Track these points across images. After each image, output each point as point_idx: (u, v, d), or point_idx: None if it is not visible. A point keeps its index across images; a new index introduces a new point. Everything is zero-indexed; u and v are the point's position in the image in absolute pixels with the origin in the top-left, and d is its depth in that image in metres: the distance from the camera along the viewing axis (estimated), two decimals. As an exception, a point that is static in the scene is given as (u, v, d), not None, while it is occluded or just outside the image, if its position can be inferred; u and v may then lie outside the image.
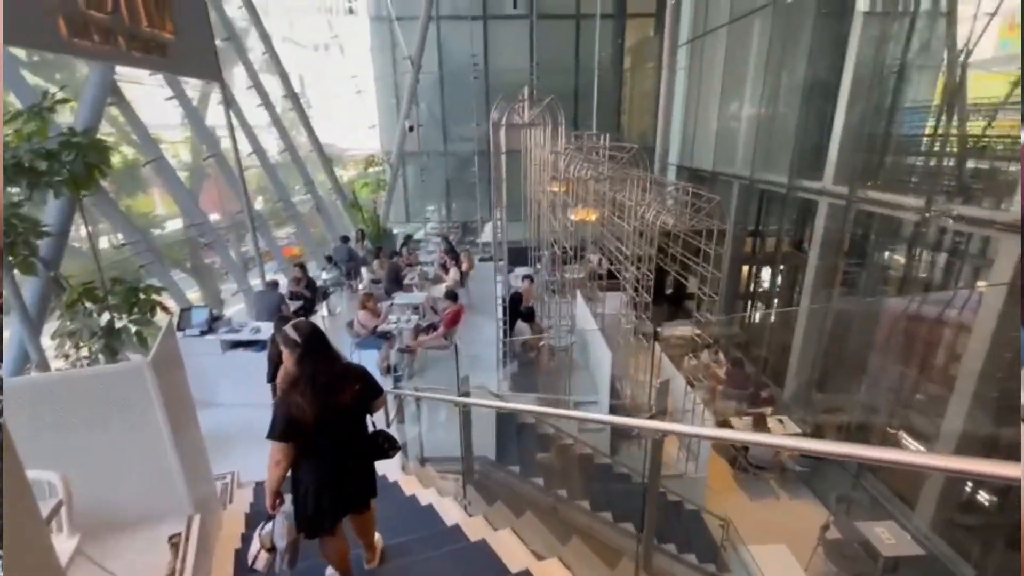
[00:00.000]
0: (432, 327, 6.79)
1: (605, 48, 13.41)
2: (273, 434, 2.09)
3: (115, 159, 5.08)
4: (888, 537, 5.64)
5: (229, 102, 6.72)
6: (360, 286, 9.59)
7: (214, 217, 9.52)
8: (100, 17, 4.59)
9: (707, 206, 5.75)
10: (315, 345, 2.18)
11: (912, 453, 0.94)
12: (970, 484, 5.48)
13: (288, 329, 2.18)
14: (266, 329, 5.93)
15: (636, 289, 6.38)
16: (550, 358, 7.13)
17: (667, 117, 12.65)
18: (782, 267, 9.42)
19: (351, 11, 13.84)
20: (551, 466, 5.67)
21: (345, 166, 14.67)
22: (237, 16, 9.95)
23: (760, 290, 10.48)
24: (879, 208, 6.43)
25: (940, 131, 6.19)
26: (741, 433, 1.26)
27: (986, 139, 5.81)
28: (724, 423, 7.94)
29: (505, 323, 6.24)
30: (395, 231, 13.18)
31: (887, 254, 7.20)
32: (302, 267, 7.94)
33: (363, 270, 10.17)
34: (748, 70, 9.62)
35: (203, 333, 6.06)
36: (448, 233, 12.33)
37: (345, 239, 10.11)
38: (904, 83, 6.65)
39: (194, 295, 9.05)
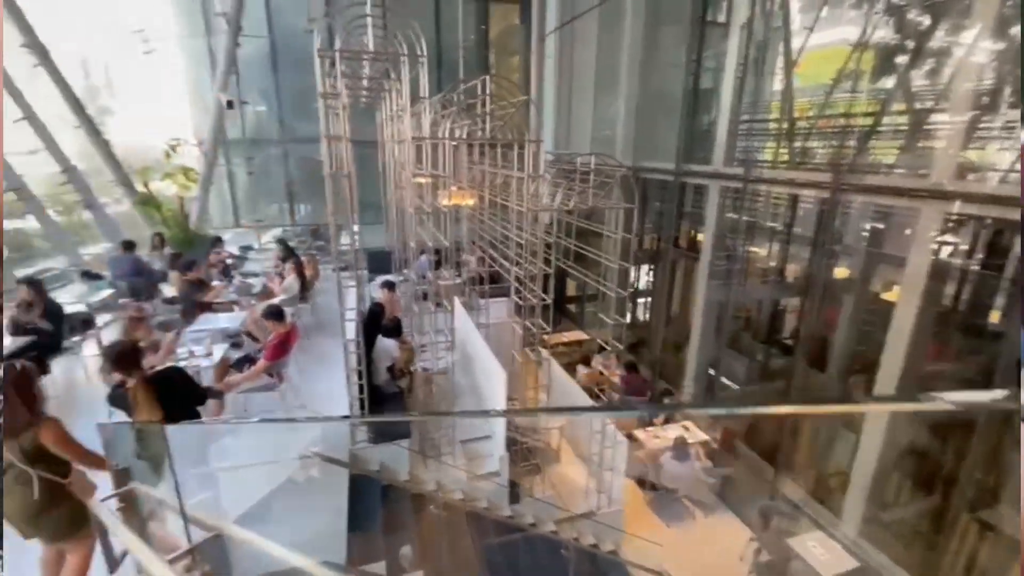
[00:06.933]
0: (249, 360, 4.71)
1: (469, 34, 12.21)
2: None
3: None
4: (821, 551, 5.02)
5: None
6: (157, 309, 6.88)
7: None
8: None
9: (611, 181, 4.65)
10: None
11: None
12: (897, 476, 5.10)
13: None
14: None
15: (523, 289, 5.06)
16: (426, 386, 5.47)
17: (539, 106, 11.84)
18: (672, 257, 8.96)
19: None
20: (429, 545, 4.02)
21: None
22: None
23: (649, 284, 9.98)
24: (774, 187, 6.03)
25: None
26: None
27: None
28: (629, 436, 7.03)
29: (359, 346, 4.43)
30: (224, 238, 10.31)
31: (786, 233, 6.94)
32: (34, 285, 5.21)
33: (165, 287, 7.43)
34: (623, 60, 9.13)
35: None
36: (288, 238, 9.89)
37: (129, 245, 7.28)
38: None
39: None
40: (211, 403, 4.03)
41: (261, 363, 4.36)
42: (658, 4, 8.17)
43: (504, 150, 5.38)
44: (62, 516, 2.41)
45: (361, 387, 4.59)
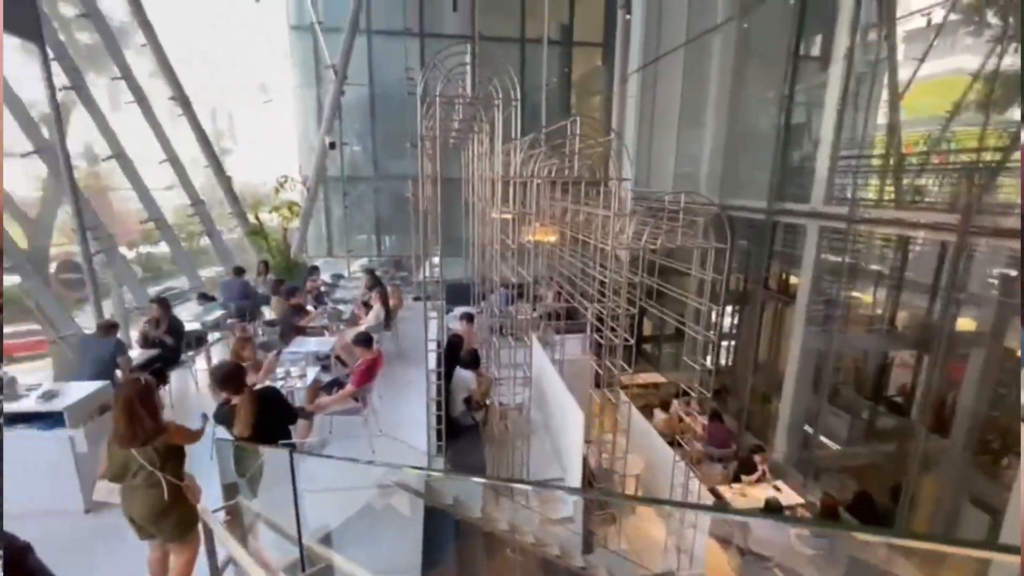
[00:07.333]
0: (338, 383, 4.95)
1: (552, 76, 12.64)
2: None
3: None
4: (950, 653, 4.26)
5: (51, 70, 4.81)
6: (260, 330, 7.51)
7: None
8: None
9: (701, 219, 4.50)
10: None
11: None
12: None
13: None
14: (68, 393, 3.85)
15: (604, 328, 4.93)
16: (502, 421, 5.44)
17: (620, 145, 11.88)
18: (761, 299, 8.42)
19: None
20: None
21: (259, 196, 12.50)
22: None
23: (733, 328, 9.42)
24: (883, 228, 5.53)
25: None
26: None
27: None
28: (713, 492, 6.51)
29: (439, 376, 4.52)
30: (317, 265, 11.19)
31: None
32: (163, 304, 5.87)
33: (265, 310, 8.12)
34: (709, 97, 8.98)
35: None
36: (374, 267, 10.51)
37: (239, 271, 8.06)
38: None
39: None
40: (300, 423, 4.25)
41: (349, 387, 4.57)
42: (748, 39, 8.02)
43: (587, 188, 5.41)
44: (178, 517, 2.61)
45: (439, 417, 4.65)
